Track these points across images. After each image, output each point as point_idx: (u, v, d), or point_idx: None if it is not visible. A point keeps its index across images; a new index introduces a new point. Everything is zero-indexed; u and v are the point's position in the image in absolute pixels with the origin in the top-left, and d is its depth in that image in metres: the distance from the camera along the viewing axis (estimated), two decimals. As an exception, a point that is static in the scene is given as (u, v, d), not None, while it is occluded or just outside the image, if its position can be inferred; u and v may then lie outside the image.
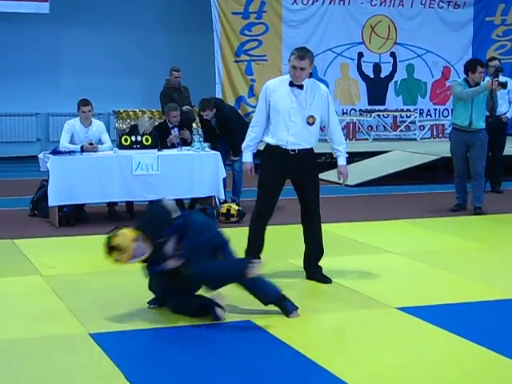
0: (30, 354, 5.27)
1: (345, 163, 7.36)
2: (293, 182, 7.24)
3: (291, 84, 6.90)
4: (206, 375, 4.88)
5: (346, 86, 18.34)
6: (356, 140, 17.73)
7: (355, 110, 18.42)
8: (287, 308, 6.08)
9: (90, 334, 5.56)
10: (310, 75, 7.10)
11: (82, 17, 17.82)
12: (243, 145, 7.23)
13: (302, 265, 7.38)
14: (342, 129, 17.47)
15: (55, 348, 5.38)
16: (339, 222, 10.13)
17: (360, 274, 7.46)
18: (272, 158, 7.04)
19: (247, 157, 7.20)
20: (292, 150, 6.97)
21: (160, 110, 13.63)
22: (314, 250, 7.32)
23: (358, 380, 4.80)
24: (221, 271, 6.04)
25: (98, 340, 5.43)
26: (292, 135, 6.92)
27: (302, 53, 6.86)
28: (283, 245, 8.88)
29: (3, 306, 6.34)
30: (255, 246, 7.28)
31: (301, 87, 6.90)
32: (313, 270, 7.25)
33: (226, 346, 5.47)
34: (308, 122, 6.94)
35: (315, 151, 7.32)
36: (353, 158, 15.79)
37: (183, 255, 5.93)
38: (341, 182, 7.43)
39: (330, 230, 9.50)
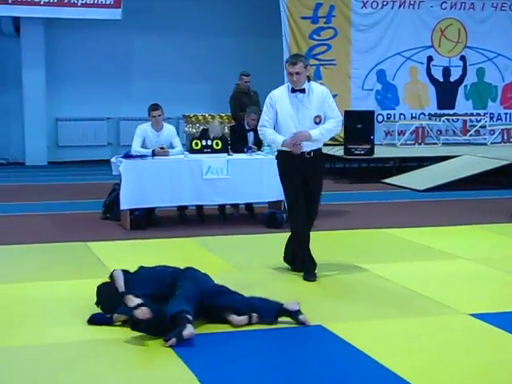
0: (103, 355, 5.34)
1: (313, 134, 7.29)
2: (304, 182, 7.41)
3: (293, 90, 7.26)
4: (277, 380, 4.87)
5: (415, 90, 18.17)
6: (425, 144, 17.54)
7: (424, 115, 18.24)
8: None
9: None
10: (309, 79, 7.38)
11: (153, 23, 18.05)
12: (268, 138, 7.46)
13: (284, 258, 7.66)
14: (411, 133, 17.46)
15: (127, 350, 5.43)
16: (409, 227, 10.05)
17: (432, 280, 7.37)
18: (289, 162, 7.32)
19: (280, 138, 7.30)
20: (308, 153, 7.27)
21: (229, 114, 13.65)
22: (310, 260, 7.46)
23: (431, 387, 4.75)
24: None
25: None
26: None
27: (295, 59, 7.29)
28: (354, 249, 8.85)
29: (77, 308, 6.41)
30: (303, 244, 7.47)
31: (302, 91, 7.26)
32: (299, 266, 7.46)
33: (298, 351, 5.45)
34: (315, 122, 7.27)
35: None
36: (422, 162, 15.71)
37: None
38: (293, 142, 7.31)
39: (399, 235, 9.48)
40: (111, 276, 6.20)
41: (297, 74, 7.17)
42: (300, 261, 7.47)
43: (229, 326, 5.86)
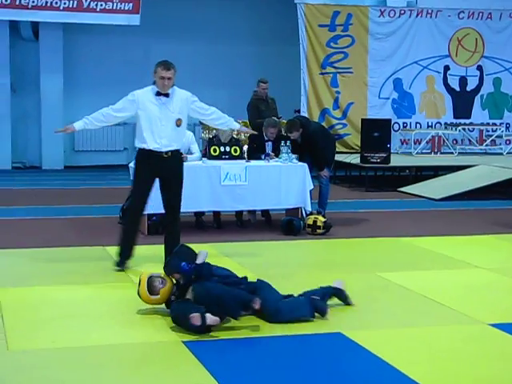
0: (124, 360, 5.35)
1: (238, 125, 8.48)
2: (162, 183, 7.76)
3: (158, 93, 7.60)
4: (298, 386, 4.87)
5: (431, 99, 18.16)
6: (441, 154, 17.51)
7: (440, 124, 18.22)
8: (321, 309, 6.21)
9: (184, 342, 5.61)
10: (173, 84, 7.69)
11: (171, 28, 18.12)
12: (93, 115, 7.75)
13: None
14: (427, 142, 17.44)
15: (149, 355, 5.43)
16: (425, 236, 10.03)
17: (450, 289, 7.35)
18: (146, 161, 7.68)
19: (78, 125, 7.73)
20: (166, 153, 7.63)
21: (247, 120, 13.66)
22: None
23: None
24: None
25: (191, 348, 5.47)
26: (165, 138, 7.63)
27: (168, 64, 7.57)
28: (372, 257, 8.83)
29: (97, 313, 6.44)
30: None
31: (166, 95, 7.62)
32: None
33: (316, 357, 5.43)
34: (177, 125, 7.68)
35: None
36: (438, 171, 15.68)
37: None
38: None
39: (416, 244, 9.46)
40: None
41: (169, 78, 7.52)
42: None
43: (249, 331, 5.85)
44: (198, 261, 6.35)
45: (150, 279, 6.29)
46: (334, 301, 6.67)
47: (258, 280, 6.49)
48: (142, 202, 7.84)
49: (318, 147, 10.78)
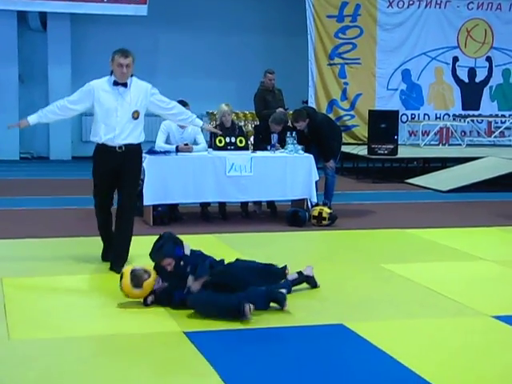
0: (125, 350, 5.36)
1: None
2: (118, 178, 7.35)
3: (115, 83, 7.17)
4: (297, 378, 4.86)
5: (439, 91, 18.10)
6: (449, 145, 17.46)
7: (449, 115, 18.16)
8: (279, 300, 6.18)
9: (185, 333, 5.62)
10: (132, 74, 7.30)
11: (179, 19, 18.09)
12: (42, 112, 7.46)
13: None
14: (435, 134, 17.39)
15: (150, 345, 5.44)
16: (431, 228, 10.02)
17: (454, 281, 7.34)
18: (101, 154, 7.31)
19: (32, 118, 7.50)
20: (119, 147, 7.23)
21: (254, 111, 13.63)
22: (117, 252, 7.43)
23: (453, 388, 4.72)
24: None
25: (192, 338, 5.48)
26: (120, 131, 7.20)
27: (126, 51, 7.17)
28: (377, 249, 8.82)
29: (99, 302, 6.47)
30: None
31: (124, 85, 7.19)
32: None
33: (317, 349, 5.43)
34: (134, 117, 7.22)
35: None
36: (446, 163, 15.64)
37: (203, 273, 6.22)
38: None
39: (422, 236, 9.45)
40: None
41: (127, 66, 7.11)
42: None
43: (249, 322, 5.86)
44: (186, 252, 6.39)
45: (134, 272, 6.23)
46: (336, 291, 6.68)
47: (236, 260, 6.59)
48: (105, 198, 7.50)
49: (325, 138, 10.77)
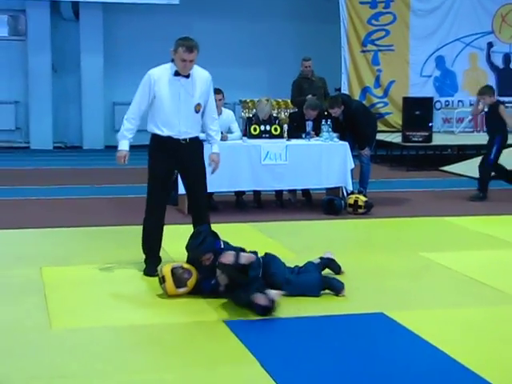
0: (165, 340, 5.38)
1: (218, 150, 7.21)
2: (182, 173, 7.15)
3: (176, 73, 6.77)
4: (338, 366, 4.85)
5: (474, 77, 17.90)
6: (484, 132, 17.24)
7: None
8: (335, 287, 6.28)
9: (224, 321, 5.62)
10: None
11: (210, 7, 18.09)
12: (119, 133, 7.02)
13: None
14: (470, 121, 17.23)
15: (190, 334, 5.46)
16: (468, 216, 9.97)
17: (494, 270, 7.28)
18: (163, 148, 6.90)
19: (123, 145, 6.96)
20: (183, 140, 6.87)
21: (287, 99, 13.57)
22: None
23: (496, 377, 4.66)
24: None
25: (232, 327, 5.49)
26: (184, 124, 6.83)
27: (191, 45, 6.67)
28: (414, 237, 8.78)
29: (139, 292, 6.49)
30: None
31: (187, 76, 6.79)
32: None
33: (358, 337, 5.41)
34: (196, 111, 6.87)
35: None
36: (480, 150, 15.46)
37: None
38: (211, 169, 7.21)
39: (459, 224, 9.39)
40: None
41: (191, 61, 6.70)
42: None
43: (289, 311, 5.86)
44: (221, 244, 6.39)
45: (175, 273, 6.19)
46: (375, 279, 6.66)
47: (266, 254, 6.46)
48: (161, 194, 7.04)
49: (360, 125, 10.71)
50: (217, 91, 10.32)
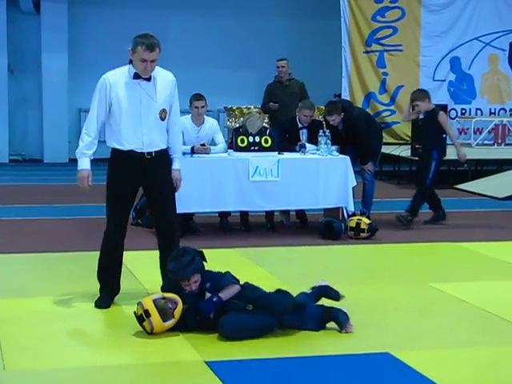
0: (146, 381, 5.39)
1: (179, 167, 7.16)
2: (147, 191, 7.12)
3: (136, 76, 6.72)
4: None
5: (494, 82, 18.08)
6: (505, 145, 17.42)
7: (505, 110, 18.14)
8: (340, 320, 6.32)
9: (206, 362, 5.63)
10: None
11: (192, 2, 18.16)
12: (77, 151, 6.95)
13: None
14: (489, 132, 17.35)
15: (168, 376, 5.47)
16: (487, 241, 10.02)
17: (517, 303, 7.33)
18: (124, 165, 6.86)
19: (84, 163, 6.92)
20: (148, 154, 6.82)
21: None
22: None
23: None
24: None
25: (214, 369, 5.49)
26: (147, 135, 6.78)
27: (152, 43, 6.61)
28: (424, 265, 8.82)
29: (106, 327, 6.52)
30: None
31: (148, 79, 6.73)
32: None
33: (363, 379, 5.43)
34: (161, 117, 6.81)
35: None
36: (502, 165, 15.59)
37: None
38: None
39: (476, 250, 9.48)
40: None
41: (152, 61, 6.62)
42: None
43: (280, 350, 5.88)
44: None
45: (157, 303, 6.17)
46: (381, 315, 6.69)
47: (245, 284, 6.52)
48: (121, 217, 7.02)
49: (362, 136, 10.77)
50: (198, 97, 10.42)
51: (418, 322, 6.72)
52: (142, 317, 6.16)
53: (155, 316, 6.12)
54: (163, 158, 6.95)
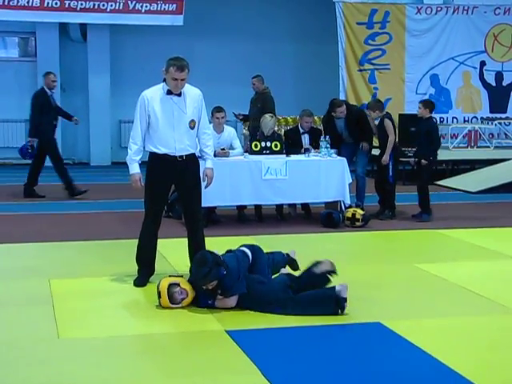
0: (168, 349, 5.38)
1: (212, 166, 7.19)
2: (178, 188, 7.13)
3: (169, 92, 6.78)
4: (338, 375, 4.84)
5: (467, 94, 17.97)
6: (477, 148, 17.32)
7: (477, 118, 18.02)
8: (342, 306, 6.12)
9: (226, 331, 5.61)
10: None
11: (212, 29, 18.14)
12: (127, 158, 6.97)
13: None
14: (463, 137, 17.25)
15: (192, 344, 5.45)
16: (462, 228, 9.94)
17: (487, 280, 7.27)
18: (160, 165, 6.89)
19: (134, 168, 6.95)
20: (180, 157, 6.84)
21: (286, 117, 13.56)
22: None
23: (487, 383, 4.66)
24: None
25: (233, 337, 5.48)
26: (179, 141, 6.81)
27: (182, 65, 6.65)
28: (409, 249, 8.77)
29: (143, 302, 6.49)
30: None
31: (178, 94, 6.79)
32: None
33: (357, 347, 5.40)
34: (191, 127, 6.85)
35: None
36: (474, 165, 15.51)
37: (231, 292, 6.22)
38: (205, 184, 7.17)
39: (454, 236, 9.39)
40: None
41: (182, 80, 6.67)
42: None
43: (289, 321, 5.85)
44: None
45: (171, 292, 6.17)
46: (372, 290, 6.65)
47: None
48: (157, 210, 7.07)
49: (364, 121, 10.78)
50: (219, 109, 10.40)
51: (404, 296, 6.70)
52: (158, 295, 6.23)
53: (164, 298, 6.17)
54: (192, 160, 6.97)
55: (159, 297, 6.21)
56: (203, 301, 6.21)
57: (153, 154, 6.92)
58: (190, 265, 6.70)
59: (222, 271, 6.14)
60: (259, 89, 13.21)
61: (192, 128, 6.87)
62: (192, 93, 6.90)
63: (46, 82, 12.69)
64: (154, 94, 6.83)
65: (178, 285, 6.22)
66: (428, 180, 10.76)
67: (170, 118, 6.80)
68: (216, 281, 6.15)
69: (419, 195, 10.69)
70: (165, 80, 6.81)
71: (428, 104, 10.88)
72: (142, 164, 7.01)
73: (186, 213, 7.23)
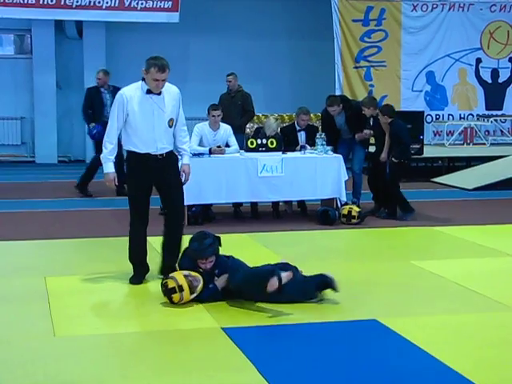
0: (163, 346, 5.37)
1: (188, 162, 7.20)
2: (160, 186, 7.02)
3: (148, 91, 6.71)
4: (333, 372, 4.83)
5: (463, 92, 17.96)
6: (473, 144, 17.33)
7: (472, 115, 18.02)
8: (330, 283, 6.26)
9: (222, 328, 5.61)
10: None
11: (208, 25, 18.10)
12: (102, 156, 6.89)
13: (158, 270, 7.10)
14: (459, 134, 17.26)
15: (188, 341, 5.45)
16: (458, 225, 9.93)
17: (483, 277, 7.26)
18: (140, 165, 6.83)
19: (109, 167, 6.89)
20: (160, 155, 6.82)
21: (281, 114, 13.53)
22: (173, 260, 6.89)
23: (484, 380, 4.66)
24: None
25: (229, 334, 5.47)
26: (159, 140, 6.78)
27: (163, 65, 6.60)
28: (405, 246, 8.76)
29: (138, 300, 6.49)
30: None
31: (158, 93, 6.74)
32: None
33: (352, 344, 5.40)
34: (169, 126, 6.83)
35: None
36: (470, 162, 15.51)
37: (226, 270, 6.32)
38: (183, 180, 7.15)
39: (450, 233, 9.37)
40: None
41: (163, 80, 6.64)
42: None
43: (285, 319, 5.84)
44: None
45: (189, 281, 6.18)
46: (369, 287, 6.64)
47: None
48: (142, 208, 7.00)
49: (363, 114, 10.72)
50: (215, 107, 10.39)
51: (400, 293, 6.69)
52: (175, 290, 6.16)
53: (187, 290, 6.15)
54: (171, 158, 6.99)
55: (179, 291, 6.14)
56: (205, 291, 6.22)
57: (132, 153, 6.87)
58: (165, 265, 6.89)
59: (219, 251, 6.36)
60: (235, 86, 13.09)
61: (170, 126, 6.87)
62: (170, 91, 6.87)
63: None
64: (132, 93, 6.75)
65: (190, 274, 6.24)
66: (397, 182, 10.63)
67: (150, 118, 6.76)
68: (214, 257, 6.29)
69: (396, 201, 10.52)
70: (143, 79, 6.74)
71: (384, 111, 10.49)
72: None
73: (167, 209, 7.19)
